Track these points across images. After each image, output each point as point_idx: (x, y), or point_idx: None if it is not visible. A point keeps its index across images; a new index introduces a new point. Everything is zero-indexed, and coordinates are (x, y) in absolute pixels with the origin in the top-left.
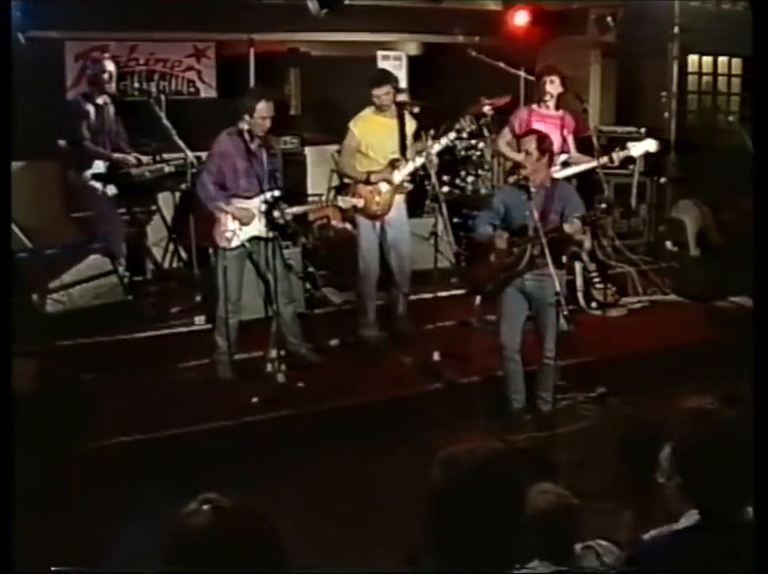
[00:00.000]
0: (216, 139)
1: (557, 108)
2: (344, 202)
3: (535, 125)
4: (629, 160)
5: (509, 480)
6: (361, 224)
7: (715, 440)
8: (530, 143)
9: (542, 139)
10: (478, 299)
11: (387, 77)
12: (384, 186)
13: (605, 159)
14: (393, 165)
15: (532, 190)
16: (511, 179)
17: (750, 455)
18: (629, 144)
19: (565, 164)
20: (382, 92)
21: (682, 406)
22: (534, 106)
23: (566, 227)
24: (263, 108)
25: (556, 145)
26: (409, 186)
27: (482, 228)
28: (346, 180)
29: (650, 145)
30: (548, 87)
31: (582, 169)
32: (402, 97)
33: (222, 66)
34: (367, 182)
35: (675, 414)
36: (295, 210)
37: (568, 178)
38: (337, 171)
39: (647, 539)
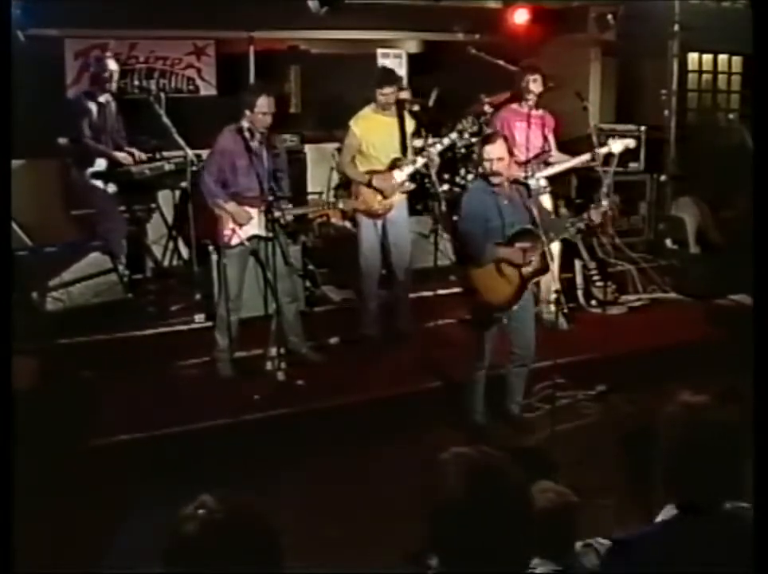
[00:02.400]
0: (217, 137)
1: (536, 106)
2: (346, 204)
3: (518, 125)
4: (623, 157)
5: (510, 484)
6: (362, 223)
7: (710, 437)
8: (502, 149)
9: (507, 140)
10: (505, 319)
11: (394, 77)
12: (387, 185)
13: (586, 157)
14: (394, 164)
15: (506, 192)
16: (478, 182)
17: (748, 452)
18: (610, 141)
19: (547, 164)
20: (389, 92)
21: (678, 402)
22: (515, 105)
23: (594, 215)
24: (263, 103)
25: (538, 144)
26: (411, 186)
27: (490, 248)
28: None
29: (629, 143)
30: (531, 86)
31: (565, 168)
32: (404, 95)
33: (222, 64)
34: (369, 182)
35: (671, 411)
36: (296, 211)
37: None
38: (337, 170)
39: (620, 537)
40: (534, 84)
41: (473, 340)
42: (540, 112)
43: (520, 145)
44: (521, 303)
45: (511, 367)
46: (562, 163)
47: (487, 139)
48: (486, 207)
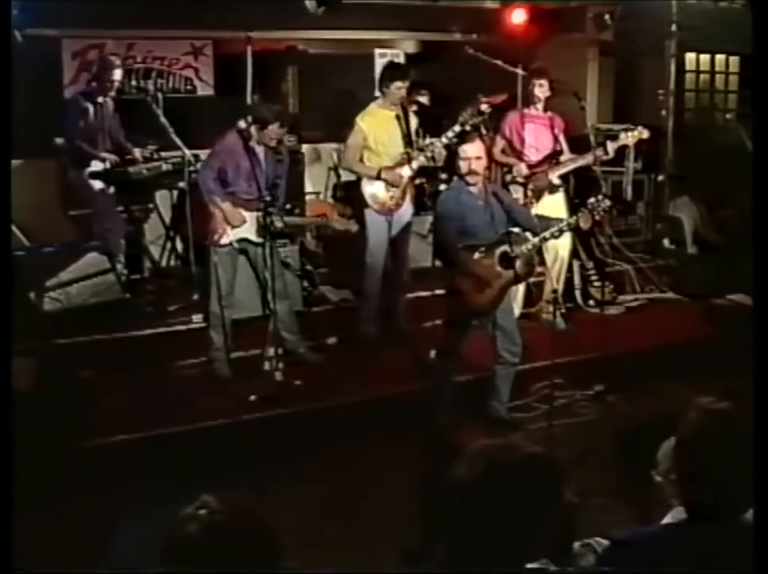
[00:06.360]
0: (221, 136)
1: (545, 110)
2: (340, 224)
3: (527, 127)
4: (625, 155)
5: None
6: (372, 220)
7: (714, 438)
8: (480, 148)
9: (484, 140)
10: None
11: (407, 72)
12: (397, 180)
13: (599, 152)
14: (403, 160)
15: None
16: (456, 182)
17: (748, 453)
18: (622, 135)
19: (559, 164)
20: (402, 86)
21: (682, 404)
22: (523, 108)
23: (582, 223)
24: (274, 130)
25: (549, 146)
26: (419, 180)
27: (464, 252)
28: (345, 179)
29: (642, 132)
30: (536, 91)
31: (578, 165)
32: (423, 99)
33: (220, 64)
34: (378, 176)
35: (675, 412)
36: (289, 220)
37: (565, 176)
38: (336, 168)
39: (626, 535)
40: (540, 89)
41: (447, 342)
42: (549, 113)
43: (530, 146)
44: (504, 305)
45: (497, 369)
46: (575, 161)
47: (464, 138)
48: (462, 208)
